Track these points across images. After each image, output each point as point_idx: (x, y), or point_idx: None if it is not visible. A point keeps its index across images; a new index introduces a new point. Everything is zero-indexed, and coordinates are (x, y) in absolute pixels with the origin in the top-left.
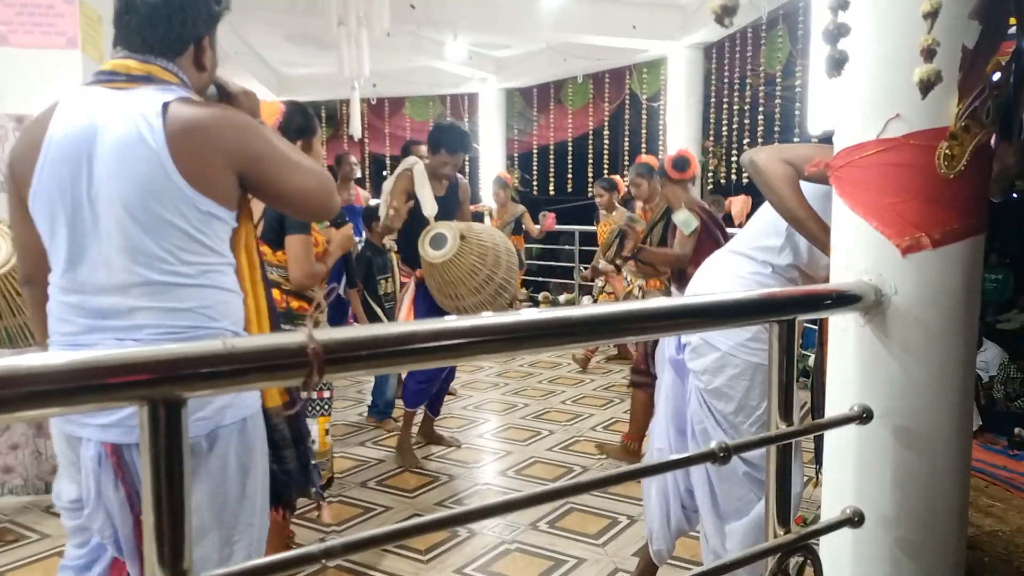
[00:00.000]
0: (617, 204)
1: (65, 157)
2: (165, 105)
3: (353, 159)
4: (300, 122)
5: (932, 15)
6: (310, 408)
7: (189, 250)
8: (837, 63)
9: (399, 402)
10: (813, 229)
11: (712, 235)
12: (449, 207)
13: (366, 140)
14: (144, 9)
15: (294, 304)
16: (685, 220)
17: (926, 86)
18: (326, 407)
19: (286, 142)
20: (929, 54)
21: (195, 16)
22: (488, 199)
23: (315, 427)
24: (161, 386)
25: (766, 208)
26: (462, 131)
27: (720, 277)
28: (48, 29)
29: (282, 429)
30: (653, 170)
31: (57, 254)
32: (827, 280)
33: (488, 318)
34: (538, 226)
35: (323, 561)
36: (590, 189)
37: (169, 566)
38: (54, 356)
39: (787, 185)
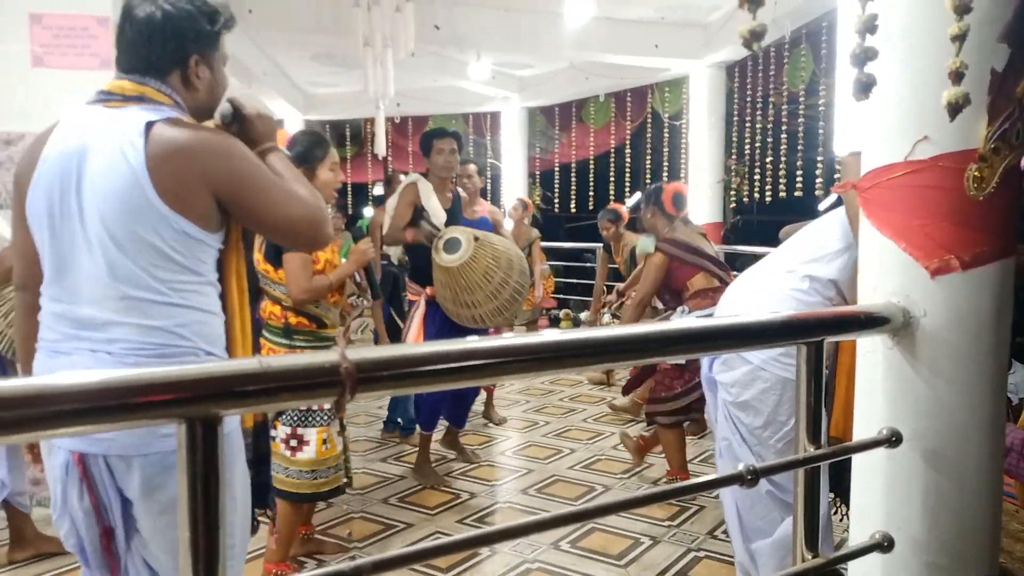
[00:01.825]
0: (624, 231)
1: (57, 173)
2: (149, 125)
3: (402, 177)
4: (300, 150)
5: (960, 38)
6: (308, 418)
7: (164, 268)
8: (864, 87)
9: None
10: None
11: (688, 261)
12: (455, 219)
13: (390, 158)
14: (132, 30)
15: (292, 320)
16: (644, 245)
17: (955, 108)
18: (325, 418)
19: (287, 169)
20: (957, 76)
21: (180, 36)
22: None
23: (313, 436)
24: (198, 404)
25: (825, 223)
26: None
27: (755, 293)
28: (83, 51)
29: (249, 449)
30: (620, 217)
31: (47, 264)
32: None
33: (516, 339)
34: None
35: None
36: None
37: None
38: (93, 375)
39: None
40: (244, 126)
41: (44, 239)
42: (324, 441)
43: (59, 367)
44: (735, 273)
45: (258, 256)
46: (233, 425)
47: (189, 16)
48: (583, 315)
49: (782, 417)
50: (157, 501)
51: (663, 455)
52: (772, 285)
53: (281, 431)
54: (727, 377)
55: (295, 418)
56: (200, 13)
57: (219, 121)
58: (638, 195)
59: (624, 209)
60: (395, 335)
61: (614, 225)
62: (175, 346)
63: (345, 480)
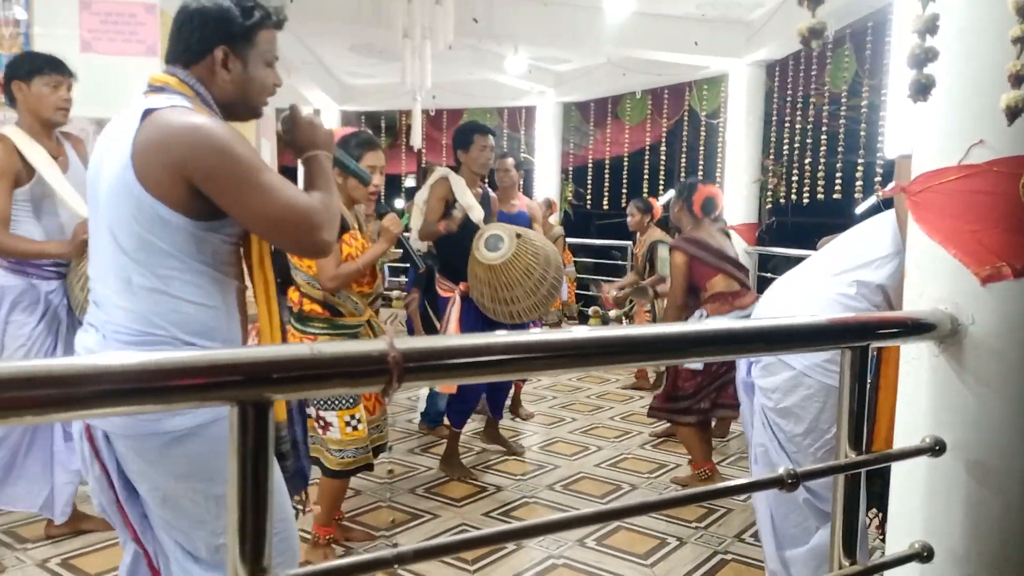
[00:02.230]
0: (651, 225)
1: (96, 160)
2: (147, 112)
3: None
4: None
5: (1022, 40)
6: (327, 402)
7: (147, 252)
8: (923, 88)
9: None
10: None
11: (706, 262)
12: (486, 215)
13: (424, 150)
14: (174, 21)
15: (306, 307)
16: (664, 258)
17: (1013, 112)
18: (344, 403)
19: (319, 176)
20: (1017, 80)
21: (207, 27)
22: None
23: (335, 419)
24: (252, 387)
25: (874, 226)
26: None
27: (799, 296)
28: (130, 37)
29: (285, 440)
30: (651, 209)
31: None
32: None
33: (558, 334)
34: (583, 241)
35: (395, 565)
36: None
37: (250, 562)
38: (153, 356)
39: None
40: (294, 132)
41: (90, 219)
42: (347, 424)
43: (79, 341)
44: (772, 276)
45: None
46: (219, 415)
47: (220, 8)
48: (612, 313)
49: (824, 425)
50: (155, 472)
51: (688, 455)
52: (817, 289)
53: (311, 410)
54: (768, 383)
55: (318, 401)
56: (235, 5)
57: (279, 128)
58: (671, 193)
59: (658, 204)
60: (429, 328)
61: (642, 215)
62: (150, 334)
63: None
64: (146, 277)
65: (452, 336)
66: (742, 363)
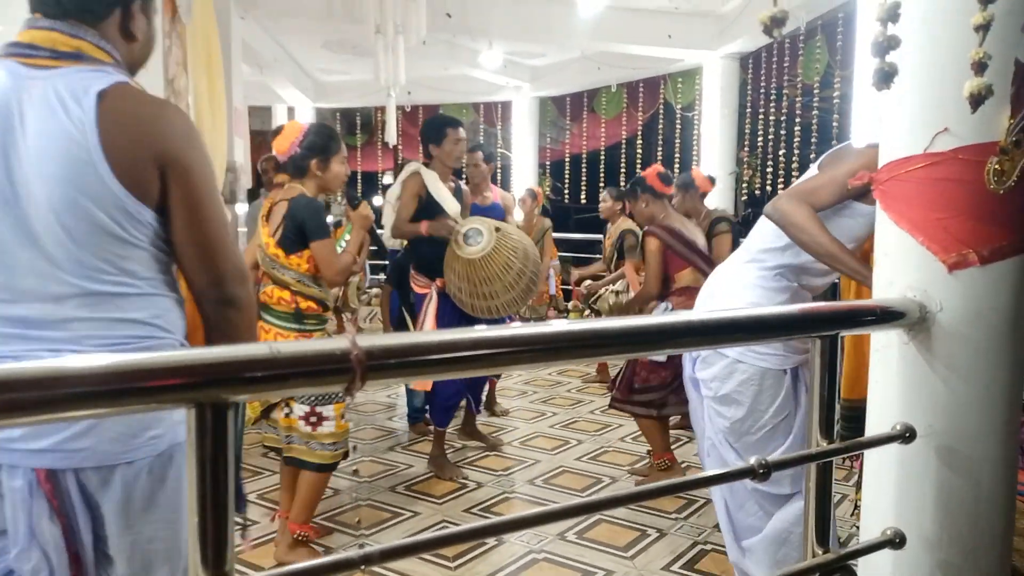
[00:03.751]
0: (622, 215)
1: None
2: (100, 94)
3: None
4: (313, 139)
5: (984, 28)
6: (326, 396)
7: (133, 258)
8: (886, 76)
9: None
10: (848, 261)
11: (678, 252)
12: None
13: (400, 147)
14: None
15: (303, 304)
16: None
17: (976, 100)
18: (342, 395)
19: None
20: (980, 67)
21: None
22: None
23: (331, 412)
24: (208, 389)
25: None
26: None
27: (728, 287)
28: None
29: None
30: (625, 196)
31: None
32: (822, 289)
33: (527, 328)
34: (567, 236)
35: (362, 567)
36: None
37: (212, 567)
38: (101, 358)
39: (813, 224)
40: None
41: None
42: (342, 416)
43: None
44: None
45: (268, 240)
46: (181, 438)
47: None
48: (575, 304)
49: (762, 406)
50: (138, 511)
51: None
52: (742, 278)
53: (298, 409)
54: (707, 373)
55: (313, 398)
56: None
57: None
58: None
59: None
60: (399, 325)
61: (613, 201)
62: (155, 338)
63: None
64: (132, 282)
65: (417, 333)
66: (687, 360)
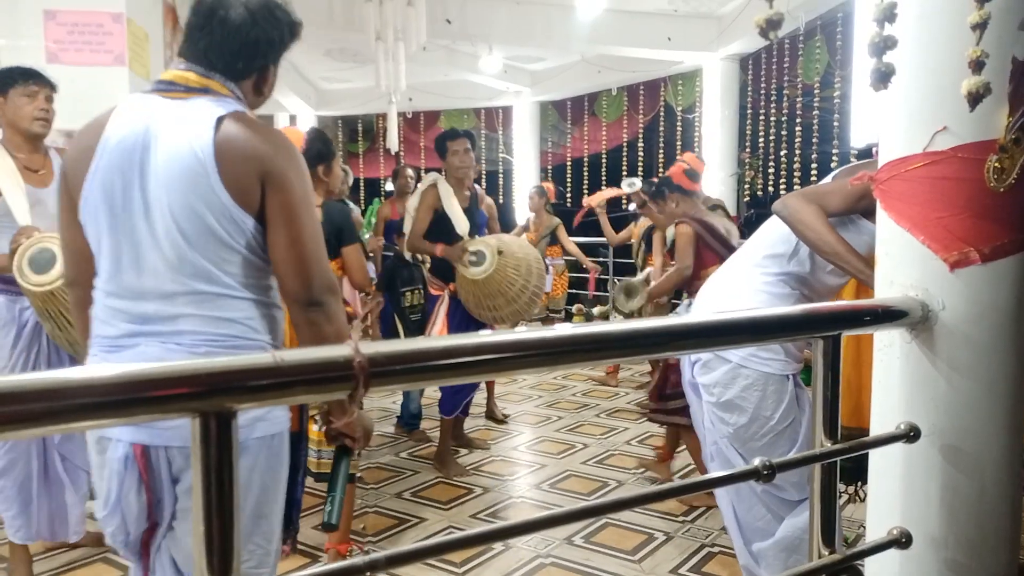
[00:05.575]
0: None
1: (118, 164)
2: (219, 119)
3: (409, 172)
4: (319, 148)
5: (981, 26)
6: None
7: (233, 262)
8: (883, 76)
9: (424, 412)
10: (854, 261)
11: (710, 246)
12: (472, 217)
13: (402, 153)
14: (219, 33)
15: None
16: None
17: (974, 98)
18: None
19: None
20: (978, 66)
21: (267, 50)
22: (522, 210)
23: None
24: (212, 398)
25: (774, 219)
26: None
27: (731, 289)
28: (97, 47)
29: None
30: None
31: (104, 259)
32: (831, 293)
33: (529, 333)
34: (573, 240)
35: (367, 574)
36: (624, 203)
37: (218, 574)
38: (106, 368)
39: (821, 223)
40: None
41: (102, 233)
42: None
43: (122, 360)
44: None
45: None
46: (282, 427)
47: (278, 29)
48: (595, 310)
49: (767, 412)
50: None
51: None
52: (747, 280)
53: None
54: (708, 379)
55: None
56: (285, 24)
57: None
58: (636, 182)
59: (624, 189)
60: (389, 332)
61: (648, 198)
62: (246, 339)
63: None
64: (232, 285)
65: (419, 339)
66: (686, 364)
